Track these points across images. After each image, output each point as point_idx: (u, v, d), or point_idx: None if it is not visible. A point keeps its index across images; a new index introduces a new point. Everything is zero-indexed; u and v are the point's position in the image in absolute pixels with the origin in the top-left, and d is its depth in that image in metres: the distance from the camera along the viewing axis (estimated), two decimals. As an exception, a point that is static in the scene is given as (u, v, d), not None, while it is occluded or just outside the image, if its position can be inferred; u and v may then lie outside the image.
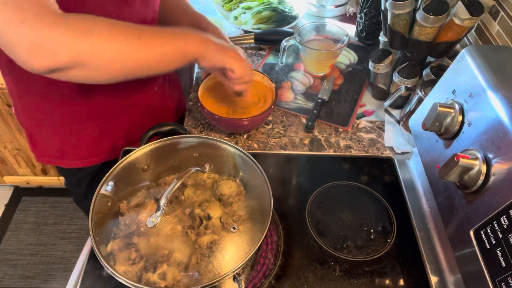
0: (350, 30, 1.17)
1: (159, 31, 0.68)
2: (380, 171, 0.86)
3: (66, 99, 0.85)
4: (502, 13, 0.85)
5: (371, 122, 0.98)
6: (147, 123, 0.79)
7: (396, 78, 0.94)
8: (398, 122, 0.94)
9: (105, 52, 0.60)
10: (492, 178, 0.51)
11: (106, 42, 0.60)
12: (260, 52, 1.18)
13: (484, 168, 0.52)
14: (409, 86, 0.91)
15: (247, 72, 0.77)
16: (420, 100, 0.81)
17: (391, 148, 0.91)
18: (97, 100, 0.87)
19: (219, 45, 0.73)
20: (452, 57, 0.89)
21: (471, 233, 0.54)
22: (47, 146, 0.96)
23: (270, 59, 1.16)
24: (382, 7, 0.91)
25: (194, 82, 1.10)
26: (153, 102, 0.99)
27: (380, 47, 1.03)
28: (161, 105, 1.03)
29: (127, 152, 0.74)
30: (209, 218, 0.67)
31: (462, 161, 0.53)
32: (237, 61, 0.74)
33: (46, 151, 0.97)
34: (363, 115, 0.99)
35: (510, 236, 0.47)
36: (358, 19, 1.18)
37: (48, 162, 0.98)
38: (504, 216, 0.48)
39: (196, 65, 1.15)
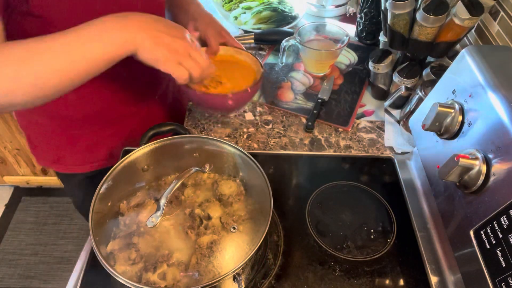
0: (350, 30, 1.17)
1: (66, 38, 0.57)
2: (380, 171, 0.86)
3: (64, 104, 0.84)
4: (502, 13, 0.85)
5: (371, 122, 0.98)
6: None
7: (396, 78, 0.94)
8: (398, 122, 0.94)
9: (8, 84, 0.55)
10: (492, 178, 0.51)
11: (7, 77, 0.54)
12: (260, 52, 1.18)
13: (484, 168, 0.52)
14: (409, 86, 0.91)
15: (195, 73, 0.66)
16: (420, 100, 0.81)
17: (391, 148, 0.91)
18: (95, 107, 0.86)
19: (154, 35, 0.60)
20: (452, 57, 0.89)
21: (471, 233, 0.54)
22: (45, 150, 0.95)
23: (270, 59, 1.16)
24: (382, 7, 0.91)
25: None
26: (154, 111, 0.98)
27: (380, 47, 1.03)
28: (162, 114, 1.02)
29: (127, 152, 0.74)
30: (209, 218, 0.67)
31: (462, 161, 0.53)
32: (171, 64, 0.63)
33: (43, 154, 0.96)
34: (363, 115, 0.99)
35: (510, 236, 0.47)
36: (358, 19, 1.18)
37: (46, 165, 0.98)
38: (504, 216, 0.48)
39: None
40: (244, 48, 0.92)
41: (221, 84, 0.86)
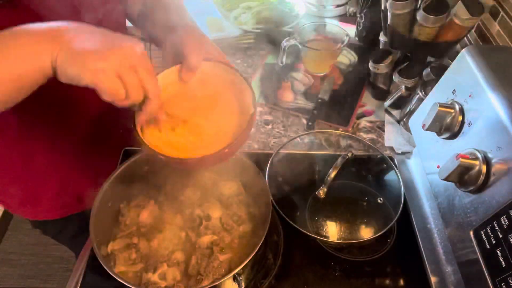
0: (350, 30, 1.17)
1: None
2: (380, 171, 0.86)
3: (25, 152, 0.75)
4: (502, 13, 0.85)
5: (371, 122, 0.98)
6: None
7: (396, 78, 0.94)
8: (398, 122, 0.94)
9: None
10: (492, 178, 0.51)
11: None
12: (260, 52, 1.18)
13: (484, 168, 0.52)
14: (409, 86, 0.91)
15: (132, 92, 0.48)
16: (420, 100, 0.81)
17: (391, 148, 0.91)
18: (57, 154, 0.78)
19: (77, 46, 0.45)
20: (452, 57, 0.89)
21: (471, 233, 0.54)
22: (11, 197, 0.86)
23: (270, 59, 1.16)
24: (382, 7, 0.91)
25: None
26: (120, 144, 0.87)
27: (380, 47, 1.03)
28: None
29: (129, 153, 0.74)
30: (209, 218, 0.67)
31: (462, 161, 0.53)
32: (101, 77, 0.45)
33: (10, 200, 0.88)
34: (363, 115, 0.99)
35: (510, 236, 0.47)
36: (358, 19, 1.18)
37: (14, 211, 0.90)
38: (504, 216, 0.48)
39: None
40: (239, 73, 0.60)
41: (185, 124, 0.59)
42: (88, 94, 0.48)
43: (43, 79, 0.47)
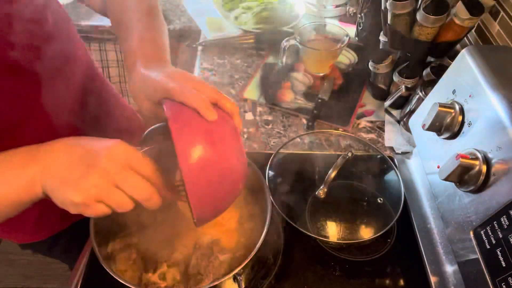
0: (350, 30, 1.17)
1: None
2: (380, 171, 0.86)
3: None
4: (502, 13, 0.85)
5: (371, 122, 0.98)
6: None
7: (396, 78, 0.94)
8: (398, 122, 0.94)
9: None
10: (492, 178, 0.51)
11: None
12: (260, 52, 1.18)
13: (484, 168, 0.52)
14: (409, 86, 0.91)
15: (121, 209, 0.48)
16: (420, 100, 0.81)
17: (391, 148, 0.91)
18: None
19: (58, 180, 0.46)
20: (452, 57, 0.89)
21: (471, 233, 0.54)
22: None
23: (270, 59, 1.16)
24: (382, 7, 0.91)
25: None
26: None
27: (380, 47, 1.03)
28: None
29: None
30: (209, 218, 0.67)
31: (462, 161, 0.53)
32: (87, 211, 0.47)
33: None
34: (363, 115, 0.99)
35: (510, 236, 0.47)
36: (358, 19, 1.18)
37: (2, 237, 0.87)
38: (504, 216, 0.48)
39: None
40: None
41: None
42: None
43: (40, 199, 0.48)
